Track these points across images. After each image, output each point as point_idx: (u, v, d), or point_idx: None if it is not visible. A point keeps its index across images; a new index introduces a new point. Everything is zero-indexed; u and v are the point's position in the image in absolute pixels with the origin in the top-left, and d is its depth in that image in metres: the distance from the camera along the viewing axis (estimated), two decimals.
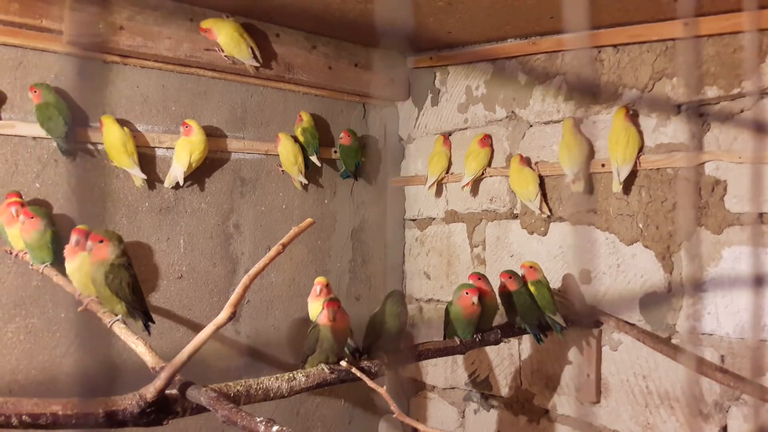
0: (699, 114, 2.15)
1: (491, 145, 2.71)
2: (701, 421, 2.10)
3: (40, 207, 2.02)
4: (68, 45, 2.13)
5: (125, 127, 2.25)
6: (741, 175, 2.04)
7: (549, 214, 2.51)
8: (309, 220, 1.45)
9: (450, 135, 2.90)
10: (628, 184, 2.28)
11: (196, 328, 2.42)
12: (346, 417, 2.94)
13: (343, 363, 1.73)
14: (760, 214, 2.01)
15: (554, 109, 2.53)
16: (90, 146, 2.25)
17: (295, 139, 2.68)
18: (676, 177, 2.19)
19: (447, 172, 2.87)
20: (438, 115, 2.97)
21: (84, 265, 1.74)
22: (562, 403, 2.50)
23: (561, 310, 2.15)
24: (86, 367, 2.10)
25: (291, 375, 1.64)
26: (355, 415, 2.97)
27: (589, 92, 2.42)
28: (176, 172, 2.35)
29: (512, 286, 2.09)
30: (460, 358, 2.86)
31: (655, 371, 2.22)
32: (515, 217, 2.66)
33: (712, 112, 2.13)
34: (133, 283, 1.74)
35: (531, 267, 2.17)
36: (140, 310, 1.78)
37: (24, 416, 1.19)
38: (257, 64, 2.45)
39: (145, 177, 2.29)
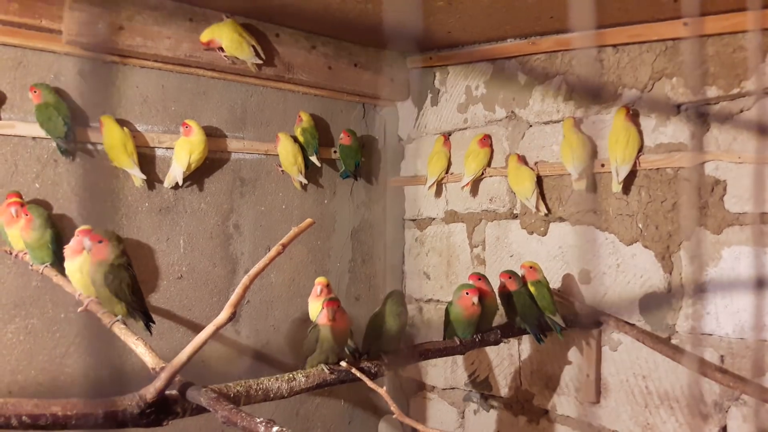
0: (699, 114, 2.15)
1: (491, 145, 2.71)
2: (701, 422, 2.10)
3: (39, 207, 2.02)
4: (68, 45, 2.13)
5: (125, 127, 2.25)
6: (741, 175, 2.04)
7: (547, 212, 2.51)
8: (309, 220, 1.45)
9: (450, 135, 2.90)
10: (627, 184, 2.28)
11: (196, 328, 2.42)
12: (346, 417, 2.94)
13: (343, 363, 1.73)
14: (760, 214, 2.01)
15: (554, 109, 2.53)
16: (90, 146, 2.25)
17: (295, 139, 2.68)
18: (676, 177, 2.19)
19: (447, 172, 2.87)
20: (438, 115, 2.97)
21: (84, 265, 1.74)
22: (562, 403, 2.50)
23: (561, 310, 2.15)
24: (86, 368, 2.10)
25: (291, 375, 1.64)
26: (355, 415, 2.97)
27: (588, 92, 2.42)
28: (175, 172, 2.35)
29: (512, 286, 2.09)
30: (459, 358, 2.86)
31: (655, 371, 2.22)
32: (515, 217, 2.66)
33: (711, 112, 2.13)
34: (133, 283, 1.74)
35: (531, 267, 2.17)
36: (140, 311, 1.78)
37: (24, 417, 1.18)
38: (260, 62, 2.45)
39: (144, 177, 2.29)
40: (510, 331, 2.13)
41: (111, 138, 2.19)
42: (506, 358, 2.69)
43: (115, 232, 1.80)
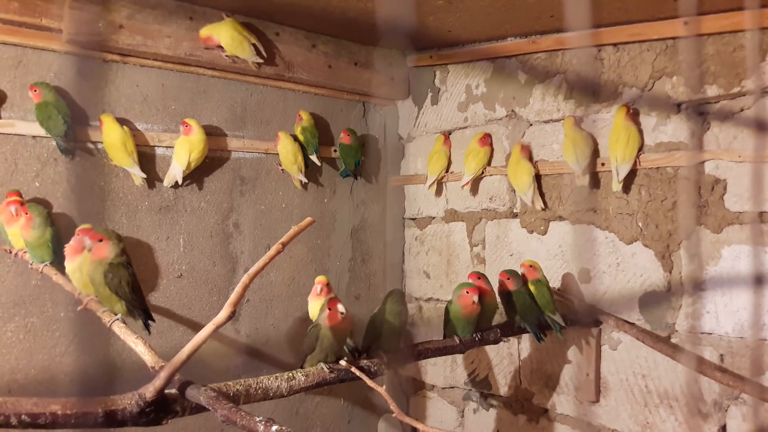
0: (699, 113, 2.15)
1: (491, 144, 2.71)
2: (700, 421, 2.10)
3: (39, 206, 2.02)
4: (68, 44, 2.13)
5: (125, 126, 2.25)
6: (741, 173, 2.04)
7: (543, 207, 2.51)
8: (309, 219, 1.44)
9: (450, 134, 2.90)
10: (627, 183, 2.28)
11: (196, 327, 2.42)
12: (345, 416, 2.94)
13: (343, 362, 1.73)
14: (760, 213, 2.00)
15: (554, 108, 2.53)
16: (90, 145, 2.25)
17: (295, 138, 2.68)
18: (676, 176, 2.19)
19: (447, 171, 2.87)
20: (438, 113, 2.97)
21: (84, 264, 1.74)
22: (562, 402, 2.50)
23: (560, 309, 2.15)
24: (86, 367, 2.10)
25: (290, 374, 1.64)
26: (354, 414, 2.97)
27: (589, 91, 2.42)
28: (175, 171, 2.35)
29: (512, 285, 2.09)
30: (459, 357, 2.86)
31: (655, 370, 2.22)
32: (515, 216, 2.66)
33: (712, 111, 2.12)
34: (133, 281, 1.74)
35: (531, 266, 2.17)
36: (140, 309, 1.78)
37: (23, 416, 1.18)
38: (261, 61, 2.45)
39: (144, 176, 2.29)
40: (510, 330, 2.13)
41: (111, 137, 2.19)
42: (506, 357, 2.69)
43: (115, 231, 1.80)
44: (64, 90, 2.18)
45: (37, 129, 2.10)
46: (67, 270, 1.81)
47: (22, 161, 2.12)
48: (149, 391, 1.28)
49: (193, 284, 2.48)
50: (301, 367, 1.73)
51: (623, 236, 2.31)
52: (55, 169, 2.18)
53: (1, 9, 2.01)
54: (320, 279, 1.96)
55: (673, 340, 2.18)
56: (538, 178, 2.52)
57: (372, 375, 1.77)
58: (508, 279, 2.09)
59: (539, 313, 2.10)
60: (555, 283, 2.47)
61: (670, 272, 2.21)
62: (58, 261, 1.93)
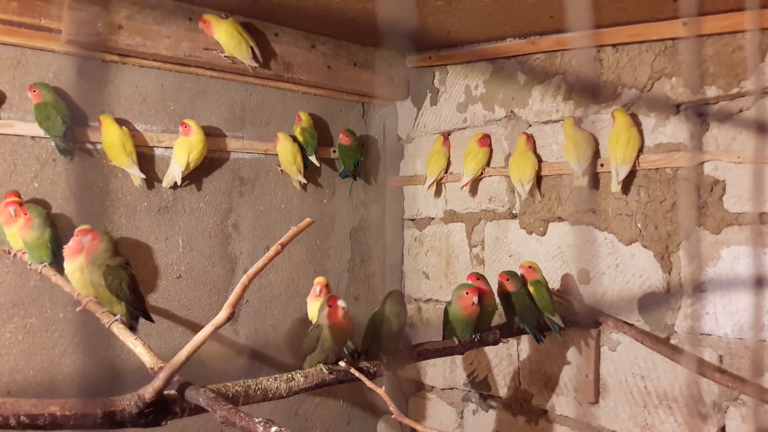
0: (698, 114, 2.15)
1: (490, 145, 2.71)
2: (699, 422, 2.10)
3: (38, 206, 2.02)
4: (67, 44, 2.13)
5: (124, 127, 2.24)
6: (740, 174, 2.04)
7: (540, 199, 2.51)
8: (308, 219, 1.44)
9: (449, 134, 2.90)
10: (627, 183, 2.28)
11: (195, 328, 2.42)
12: (344, 417, 2.94)
13: (342, 363, 1.73)
14: (760, 214, 2.01)
15: (553, 109, 2.53)
16: (89, 145, 2.24)
17: (294, 139, 2.67)
18: (675, 177, 2.19)
19: (446, 172, 2.87)
20: (437, 114, 2.97)
21: (84, 265, 1.74)
22: (561, 403, 2.50)
23: (560, 310, 2.15)
24: (85, 368, 2.10)
25: (290, 375, 1.64)
26: (353, 415, 2.97)
27: (588, 92, 2.42)
28: (174, 171, 2.35)
29: (511, 286, 2.08)
30: (458, 358, 2.86)
31: (654, 371, 2.22)
32: (514, 216, 2.66)
33: (711, 112, 2.13)
34: (132, 283, 1.74)
35: (530, 267, 2.17)
36: (140, 310, 1.78)
37: (22, 417, 1.18)
38: (256, 64, 2.45)
39: (143, 176, 2.29)
40: (509, 331, 2.13)
41: (110, 137, 2.19)
42: (505, 358, 2.69)
43: (109, 233, 1.80)
44: (63, 90, 2.17)
45: (36, 129, 2.10)
46: (66, 271, 1.81)
47: (21, 162, 2.12)
48: (148, 392, 1.28)
49: (192, 285, 2.48)
50: (301, 368, 1.72)
51: (622, 237, 2.31)
52: (54, 170, 2.17)
53: (0, 9, 2.01)
54: (319, 280, 1.95)
55: (672, 341, 2.18)
56: (538, 173, 2.52)
57: (371, 376, 1.77)
58: (508, 280, 2.09)
59: (538, 314, 2.10)
60: (554, 284, 2.47)
61: (669, 273, 2.21)
62: (57, 262, 1.93)
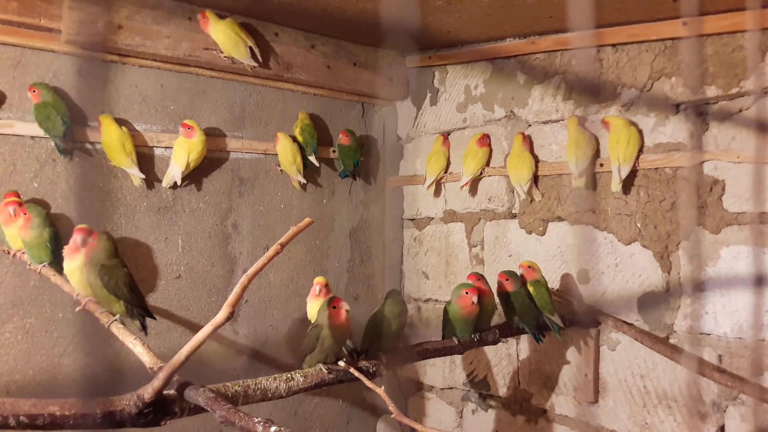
0: (698, 113, 2.15)
1: (490, 145, 2.71)
2: (699, 421, 2.10)
3: (37, 206, 2.02)
4: (67, 44, 2.13)
5: (123, 127, 2.24)
6: (739, 174, 2.04)
7: (541, 197, 2.52)
8: (307, 219, 1.44)
9: (449, 134, 2.90)
10: (626, 183, 2.28)
11: (194, 328, 2.42)
12: (344, 417, 2.94)
13: (342, 363, 1.73)
14: (759, 214, 2.01)
15: (553, 109, 2.53)
16: (88, 146, 2.24)
17: (294, 139, 2.67)
18: (675, 176, 2.20)
19: (445, 172, 2.87)
20: (437, 114, 2.97)
21: (83, 264, 1.74)
22: (560, 403, 2.50)
23: (559, 309, 2.15)
24: (84, 368, 2.10)
25: (289, 375, 1.64)
26: (353, 415, 2.97)
27: (588, 92, 2.42)
28: (174, 172, 2.35)
29: (510, 286, 2.09)
30: (458, 358, 2.86)
31: (653, 371, 2.22)
32: (513, 216, 2.66)
33: (710, 112, 2.13)
34: (130, 281, 1.74)
35: (529, 267, 2.17)
36: (139, 307, 1.78)
37: (21, 417, 1.18)
38: (255, 64, 2.44)
39: (143, 176, 2.29)
40: (508, 330, 2.13)
41: (109, 137, 2.19)
42: (504, 358, 2.69)
43: (109, 234, 1.80)
44: (63, 90, 2.17)
45: (35, 129, 2.10)
46: (65, 270, 1.81)
47: (21, 162, 2.12)
48: (148, 392, 1.28)
49: (191, 285, 2.48)
50: (300, 368, 1.72)
51: (622, 237, 2.31)
52: (54, 170, 2.17)
53: (0, 9, 2.01)
54: (319, 280, 1.96)
55: (671, 341, 2.18)
56: (536, 172, 2.52)
57: (371, 376, 1.77)
58: (507, 280, 2.09)
59: (538, 314, 2.10)
60: (554, 283, 2.47)
61: (669, 273, 2.21)
62: (56, 262, 1.92)
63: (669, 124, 2.21)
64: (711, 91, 2.11)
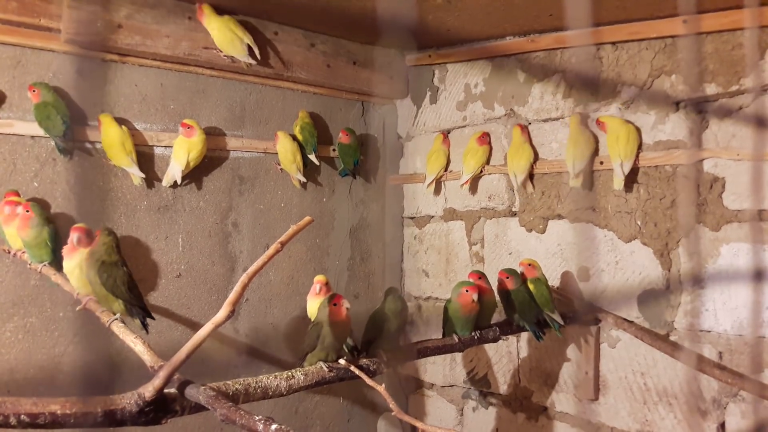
0: (698, 111, 2.15)
1: (490, 143, 2.71)
2: (699, 418, 2.11)
3: (36, 205, 2.01)
4: (66, 44, 2.13)
5: (123, 126, 2.24)
6: (739, 172, 2.04)
7: (532, 190, 2.53)
8: (307, 218, 1.44)
9: (449, 133, 2.90)
10: (627, 181, 2.28)
11: (195, 326, 2.42)
12: (345, 415, 2.95)
13: (342, 361, 1.73)
14: (759, 211, 2.01)
15: (553, 107, 2.53)
16: (88, 145, 2.24)
17: (294, 138, 2.67)
18: (675, 174, 2.20)
19: (446, 170, 2.87)
20: (437, 112, 2.97)
21: (82, 262, 1.74)
22: (561, 400, 2.50)
23: (559, 307, 2.16)
24: (85, 366, 2.10)
25: (290, 373, 1.64)
26: (354, 413, 2.98)
27: (588, 89, 2.42)
28: (174, 170, 2.35)
29: (511, 284, 2.09)
30: (458, 355, 2.86)
31: (654, 368, 2.23)
32: (514, 214, 2.66)
33: (710, 109, 2.12)
34: (129, 280, 1.74)
35: (530, 265, 2.17)
36: (138, 307, 1.78)
37: (22, 416, 1.18)
38: (252, 62, 2.43)
39: (143, 176, 2.29)
40: (509, 328, 2.14)
41: (109, 137, 2.19)
42: (505, 356, 2.69)
43: (110, 230, 1.80)
44: (63, 90, 2.17)
45: (35, 129, 2.10)
46: (65, 269, 1.81)
47: (21, 161, 2.12)
48: (148, 390, 1.28)
49: (192, 284, 2.48)
50: (301, 366, 1.73)
51: (622, 234, 2.31)
52: (54, 169, 2.17)
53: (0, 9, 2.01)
54: (319, 278, 1.96)
55: (672, 338, 2.19)
56: (534, 164, 2.53)
57: (371, 374, 1.77)
58: (507, 278, 2.09)
59: (538, 312, 2.11)
60: (554, 281, 2.47)
61: (669, 270, 2.21)
62: (56, 261, 1.92)
63: (669, 122, 2.21)
64: (711, 89, 2.10)
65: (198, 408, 1.39)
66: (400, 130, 3.14)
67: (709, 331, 2.10)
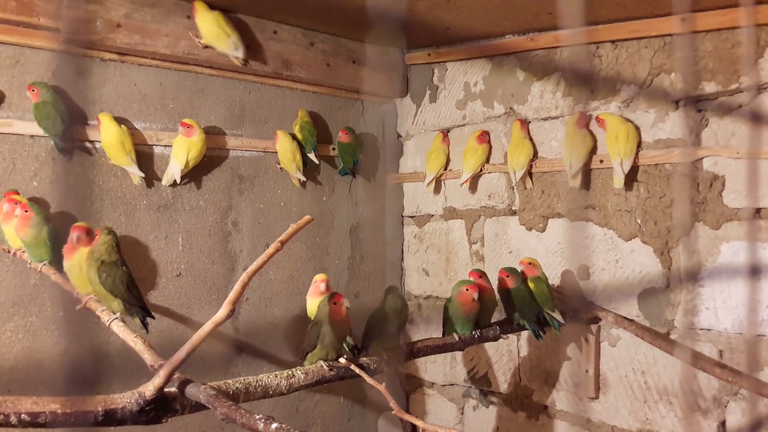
0: (697, 109, 2.15)
1: (489, 142, 2.71)
2: (700, 417, 2.11)
3: (35, 204, 2.01)
4: (65, 43, 2.13)
5: (123, 125, 2.24)
6: (739, 170, 2.04)
7: (531, 186, 2.54)
8: (307, 217, 1.44)
9: (448, 131, 2.90)
10: (627, 180, 2.28)
11: (195, 325, 2.42)
12: (345, 414, 2.95)
13: (342, 360, 1.73)
14: (758, 209, 2.01)
15: (552, 105, 2.53)
16: (87, 144, 2.24)
17: (293, 137, 2.67)
18: (675, 172, 2.20)
19: (445, 169, 2.87)
20: (436, 111, 2.97)
21: (81, 262, 1.74)
22: (561, 399, 2.50)
23: (560, 306, 2.16)
24: (85, 366, 2.10)
25: (290, 372, 1.64)
26: (354, 412, 2.98)
27: (587, 88, 2.42)
28: (173, 170, 2.35)
29: (511, 283, 2.09)
30: (459, 354, 2.86)
31: (654, 367, 2.23)
32: (513, 213, 2.66)
33: (710, 108, 2.13)
34: (128, 279, 1.74)
35: (530, 263, 2.17)
36: (138, 306, 1.78)
37: (23, 415, 1.18)
38: (239, 55, 2.38)
39: (143, 175, 2.28)
40: (509, 327, 2.14)
41: (109, 136, 2.19)
42: (505, 354, 2.69)
43: (110, 229, 1.80)
44: (62, 89, 2.17)
45: (35, 128, 2.10)
46: (64, 268, 1.81)
47: (20, 161, 2.12)
48: (149, 389, 1.28)
49: (192, 283, 2.48)
50: (301, 365, 1.73)
51: (622, 233, 2.31)
52: (53, 169, 2.17)
53: None
54: (320, 277, 1.96)
55: (672, 337, 2.19)
56: (532, 162, 2.53)
57: (371, 372, 1.77)
58: (508, 276, 2.09)
59: (538, 310, 2.11)
60: (554, 280, 2.47)
61: (669, 269, 2.21)
62: (56, 260, 1.92)
63: (669, 120, 2.21)
64: (710, 87, 2.10)
65: (198, 407, 1.39)
66: (400, 129, 3.14)
67: (710, 330, 2.10)
